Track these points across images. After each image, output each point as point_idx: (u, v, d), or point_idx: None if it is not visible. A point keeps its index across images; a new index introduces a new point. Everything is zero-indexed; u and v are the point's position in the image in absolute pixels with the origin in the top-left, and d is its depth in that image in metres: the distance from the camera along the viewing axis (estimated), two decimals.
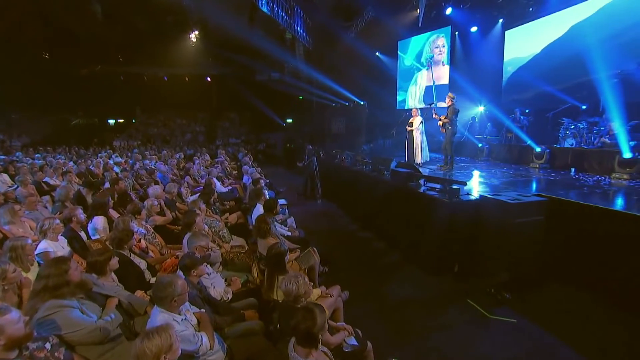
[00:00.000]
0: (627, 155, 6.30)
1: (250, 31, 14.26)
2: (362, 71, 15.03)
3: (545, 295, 3.78)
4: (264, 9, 10.99)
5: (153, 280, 2.91)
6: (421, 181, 5.26)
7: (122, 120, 22.52)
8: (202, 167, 8.77)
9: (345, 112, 18.12)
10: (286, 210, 5.76)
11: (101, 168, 8.50)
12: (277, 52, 16.18)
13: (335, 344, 2.06)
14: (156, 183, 6.65)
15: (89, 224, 3.99)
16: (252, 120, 23.84)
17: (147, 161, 9.22)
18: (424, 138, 8.47)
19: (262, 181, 5.71)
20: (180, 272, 2.47)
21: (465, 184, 4.47)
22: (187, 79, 20.81)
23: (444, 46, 12.85)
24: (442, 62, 12.88)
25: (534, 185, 5.84)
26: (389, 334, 3.19)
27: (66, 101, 19.35)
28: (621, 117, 6.77)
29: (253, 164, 9.80)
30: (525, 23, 10.29)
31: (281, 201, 6.14)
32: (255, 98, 20.56)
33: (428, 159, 8.51)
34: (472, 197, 4.33)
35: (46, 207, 5.17)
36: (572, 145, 7.92)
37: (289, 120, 23.02)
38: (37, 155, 11.21)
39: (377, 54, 15.36)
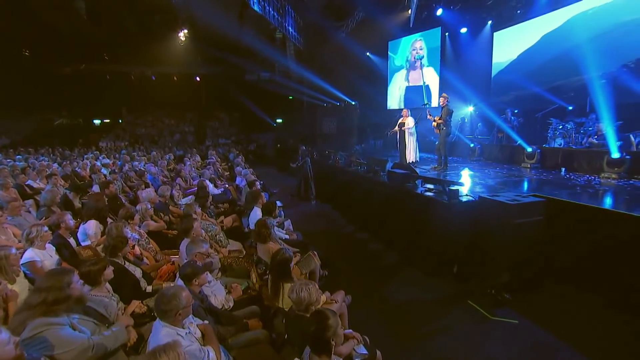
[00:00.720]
0: (616, 155, 6.44)
1: (240, 30, 14.08)
2: (353, 71, 15.05)
3: (545, 296, 3.80)
4: (256, 7, 10.84)
5: (149, 288, 2.79)
6: (418, 182, 5.26)
7: (108, 121, 21.94)
8: (193, 169, 8.58)
9: (336, 112, 18.11)
10: (282, 212, 5.66)
11: (88, 170, 8.22)
12: (267, 52, 16.04)
13: (345, 353, 2.00)
14: (147, 185, 6.47)
15: (78, 230, 3.82)
16: (241, 121, 23.57)
17: (136, 162, 8.97)
18: (416, 138, 8.48)
19: (257, 183, 5.59)
20: (180, 281, 2.36)
21: (463, 185, 4.47)
22: (175, 78, 20.41)
23: (421, 49, 13.15)
24: (422, 64, 13.07)
25: (529, 186, 5.91)
26: (394, 338, 3.15)
27: (49, 100, 18.73)
28: (610, 118, 6.92)
29: (245, 165, 9.66)
30: (513, 25, 10.46)
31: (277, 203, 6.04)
32: (245, 98, 20.34)
33: (418, 159, 8.53)
34: (471, 198, 4.32)
35: (30, 212, 4.94)
36: (560, 145, 8.07)
37: (279, 121, 22.86)
38: (18, 156, 10.77)
39: (367, 54, 15.39)
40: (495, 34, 11.10)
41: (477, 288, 3.92)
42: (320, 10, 14.20)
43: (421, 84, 13.31)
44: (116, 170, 7.37)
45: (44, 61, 16.97)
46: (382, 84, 15.12)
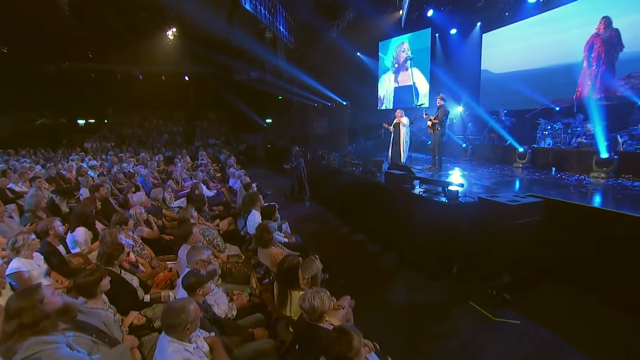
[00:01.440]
0: (604, 155, 6.60)
1: (230, 29, 13.85)
2: (344, 71, 15.02)
3: (543, 295, 3.83)
4: (247, 6, 10.67)
5: (147, 298, 2.66)
6: (415, 183, 5.25)
7: (93, 121, 21.28)
8: (184, 170, 8.38)
9: (327, 113, 18.04)
10: (278, 214, 5.56)
11: (74, 172, 7.93)
12: (257, 51, 15.83)
13: None
14: (137, 188, 6.25)
15: (67, 236, 3.64)
16: (231, 121, 23.27)
17: (125, 164, 8.69)
18: (408, 139, 8.50)
19: (253, 185, 5.47)
20: (180, 290, 2.26)
21: (463, 186, 4.47)
22: (163, 77, 19.96)
23: (410, 50, 13.36)
24: (411, 64, 13.20)
25: (524, 186, 5.98)
26: (401, 342, 3.11)
27: (29, 99, 18.00)
28: (600, 118, 7.08)
29: (237, 166, 9.50)
30: (501, 27, 10.63)
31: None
32: (235, 98, 20.07)
33: (406, 159, 8.53)
34: (470, 199, 4.33)
35: (12, 217, 4.68)
36: (549, 145, 8.23)
37: (269, 121, 22.66)
38: None
39: (358, 54, 15.41)
40: (484, 35, 11.27)
41: (477, 289, 3.93)
42: (312, 9, 14.11)
43: (410, 84, 13.45)
44: (105, 173, 7.11)
45: (24, 59, 16.30)
46: (373, 84, 15.17)
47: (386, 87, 14.74)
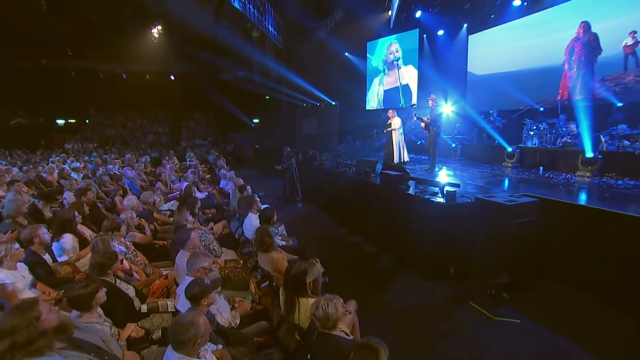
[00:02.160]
0: (589, 154, 6.80)
1: (217, 27, 13.60)
2: (333, 71, 14.99)
3: (541, 294, 3.89)
4: (236, 4, 10.47)
5: (144, 308, 2.53)
6: (411, 183, 5.25)
7: (73, 121, 20.47)
8: (173, 172, 8.14)
9: (316, 113, 17.96)
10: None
11: (55, 175, 7.57)
12: (245, 50, 15.61)
13: None
14: (125, 191, 6.03)
15: (53, 244, 3.44)
16: (218, 121, 22.89)
17: (110, 166, 8.36)
18: (403, 139, 8.54)
19: (248, 187, 5.35)
20: (181, 300, 2.14)
21: (459, 186, 4.49)
22: (148, 76, 19.40)
23: (397, 51, 13.45)
24: (398, 65, 13.33)
25: (516, 185, 6.08)
26: (404, 345, 3.08)
27: (3, 98, 17.14)
28: (584, 119, 7.29)
29: (227, 167, 9.31)
30: (487, 29, 10.84)
31: (265, 207, 5.83)
32: (222, 97, 19.73)
33: (407, 160, 8.59)
34: (467, 199, 4.35)
35: None
36: (535, 145, 8.43)
37: (256, 121, 22.42)
38: None
39: (346, 54, 15.42)
40: (470, 36, 11.46)
41: (475, 289, 3.95)
42: (300, 8, 14.01)
43: (398, 85, 13.58)
44: (89, 175, 6.81)
45: None
46: (362, 84, 15.20)
47: (374, 87, 14.81)
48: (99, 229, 3.96)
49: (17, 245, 2.75)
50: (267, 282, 3.57)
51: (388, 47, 13.87)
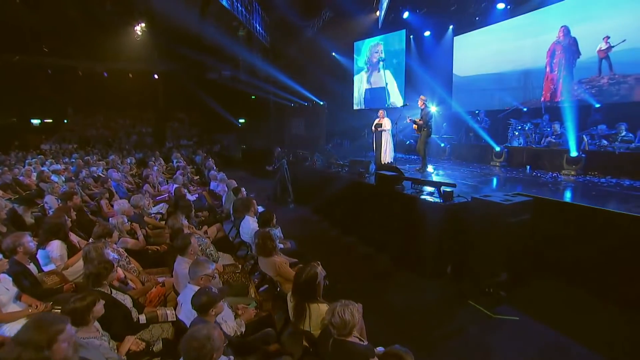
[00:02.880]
0: (574, 154, 7.03)
1: (203, 25, 13.29)
2: (321, 71, 14.96)
3: (536, 291, 3.97)
4: (224, 2, 10.26)
5: (142, 318, 2.40)
6: (407, 184, 5.26)
7: (50, 120, 19.54)
8: (160, 174, 7.89)
9: (304, 113, 17.87)
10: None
11: (34, 178, 7.20)
12: (231, 49, 15.34)
13: None
14: (111, 194, 5.79)
15: (38, 252, 3.23)
16: (203, 121, 22.41)
17: (94, 168, 8.01)
18: (392, 140, 8.57)
19: (243, 189, 5.23)
20: (184, 308, 2.04)
21: (455, 186, 4.53)
22: (130, 75, 18.76)
23: (383, 51, 13.62)
24: (384, 66, 13.45)
25: (507, 184, 6.21)
26: (409, 346, 3.03)
27: None
28: (566, 120, 7.53)
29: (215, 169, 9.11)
30: (472, 31, 11.06)
31: (259, 208, 5.72)
32: (207, 97, 19.33)
33: (393, 160, 8.62)
34: (463, 199, 4.40)
35: None
36: (521, 144, 8.66)
37: (242, 121, 22.12)
38: None
39: (333, 54, 15.43)
40: (455, 38, 11.67)
41: (473, 287, 3.99)
42: (288, 7, 13.89)
43: (383, 85, 13.71)
44: (73, 178, 6.49)
45: None
46: (349, 84, 15.25)
47: (357, 85, 14.91)
48: (87, 234, 3.77)
49: None
50: (266, 285, 3.49)
51: (374, 47, 13.98)
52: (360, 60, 14.75)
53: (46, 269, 3.21)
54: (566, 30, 8.44)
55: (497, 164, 8.28)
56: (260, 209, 5.94)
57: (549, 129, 8.27)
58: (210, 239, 4.30)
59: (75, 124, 19.65)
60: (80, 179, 6.60)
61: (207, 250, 3.57)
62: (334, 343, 1.83)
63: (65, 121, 19.85)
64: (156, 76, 19.43)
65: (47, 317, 1.58)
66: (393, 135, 8.41)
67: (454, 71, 11.73)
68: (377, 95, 13.95)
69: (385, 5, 11.40)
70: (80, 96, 18.94)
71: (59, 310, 2.44)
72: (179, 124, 22.17)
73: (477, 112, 10.05)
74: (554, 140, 8.04)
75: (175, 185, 6.11)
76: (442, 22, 11.92)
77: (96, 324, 2.02)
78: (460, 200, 4.38)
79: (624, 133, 6.94)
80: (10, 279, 2.69)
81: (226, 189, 5.94)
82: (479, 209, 4.10)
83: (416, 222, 4.61)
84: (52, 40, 15.85)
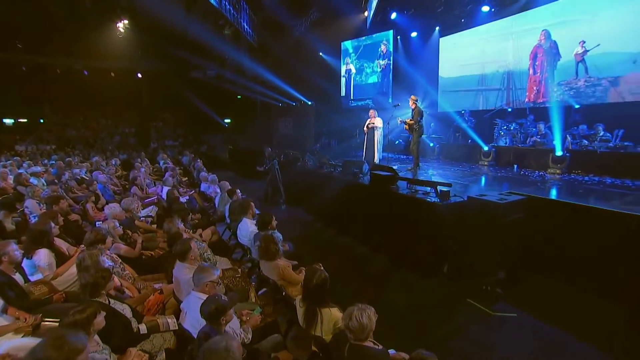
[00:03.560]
0: (559, 153, 7.26)
1: (188, 22, 12.99)
2: (308, 70, 14.90)
3: (532, 288, 4.06)
4: (212, 1, 10.04)
5: (142, 328, 2.29)
6: (400, 184, 5.29)
7: (24, 120, 18.64)
8: (147, 175, 7.64)
9: (292, 113, 17.77)
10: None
11: (10, 180, 6.82)
12: (218, 47, 15.06)
13: None
14: (97, 197, 5.56)
15: (24, 261, 3.05)
16: (188, 121, 21.94)
17: (77, 170, 7.66)
18: (382, 139, 8.61)
19: (238, 191, 5.11)
20: (189, 316, 1.96)
21: (451, 185, 4.58)
22: (112, 74, 18.11)
23: (371, 51, 13.74)
24: (372, 66, 13.72)
25: (498, 183, 6.33)
26: (413, 346, 3.04)
27: None
28: (551, 120, 7.76)
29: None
30: (457, 32, 11.27)
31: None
32: (193, 96, 18.92)
33: (380, 159, 8.67)
34: (459, 198, 4.45)
35: None
36: (506, 144, 8.88)
37: (228, 120, 21.79)
38: None
39: (320, 54, 15.42)
40: (441, 39, 11.87)
41: (470, 286, 4.04)
42: (276, 6, 13.76)
43: (370, 82, 13.84)
44: (55, 181, 6.19)
45: None
46: (337, 84, 15.27)
47: (347, 87, 14.98)
48: (76, 241, 3.60)
49: None
50: (265, 288, 3.42)
51: (361, 47, 14.07)
52: (348, 60, 14.82)
53: (33, 278, 3.03)
54: (547, 34, 8.71)
55: (486, 163, 8.45)
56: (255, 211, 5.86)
57: (534, 129, 8.50)
58: (205, 242, 4.19)
59: (53, 124, 18.82)
60: (63, 181, 6.30)
61: (205, 254, 3.47)
62: (351, 348, 1.79)
63: (42, 121, 18.99)
64: (139, 75, 18.84)
65: (67, 334, 1.48)
66: (385, 135, 8.48)
67: (440, 72, 11.92)
68: (365, 94, 14.04)
69: (374, 5, 11.44)
70: (59, 95, 18.14)
71: (50, 323, 2.31)
72: (163, 124, 21.63)
73: (462, 111, 10.23)
74: (539, 140, 8.27)
75: (166, 188, 5.92)
76: (428, 24, 12.09)
77: (96, 337, 1.91)
78: (456, 199, 4.43)
79: (602, 133, 7.23)
80: None
81: (218, 191, 5.81)
82: (475, 208, 4.17)
83: (413, 222, 4.64)
84: (27, 36, 15.09)
